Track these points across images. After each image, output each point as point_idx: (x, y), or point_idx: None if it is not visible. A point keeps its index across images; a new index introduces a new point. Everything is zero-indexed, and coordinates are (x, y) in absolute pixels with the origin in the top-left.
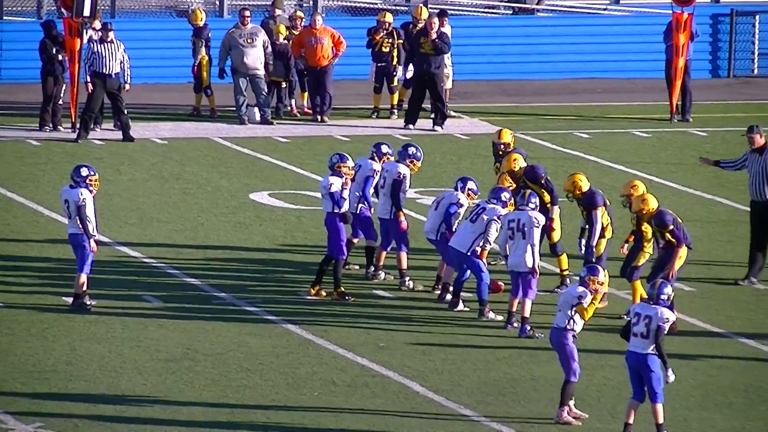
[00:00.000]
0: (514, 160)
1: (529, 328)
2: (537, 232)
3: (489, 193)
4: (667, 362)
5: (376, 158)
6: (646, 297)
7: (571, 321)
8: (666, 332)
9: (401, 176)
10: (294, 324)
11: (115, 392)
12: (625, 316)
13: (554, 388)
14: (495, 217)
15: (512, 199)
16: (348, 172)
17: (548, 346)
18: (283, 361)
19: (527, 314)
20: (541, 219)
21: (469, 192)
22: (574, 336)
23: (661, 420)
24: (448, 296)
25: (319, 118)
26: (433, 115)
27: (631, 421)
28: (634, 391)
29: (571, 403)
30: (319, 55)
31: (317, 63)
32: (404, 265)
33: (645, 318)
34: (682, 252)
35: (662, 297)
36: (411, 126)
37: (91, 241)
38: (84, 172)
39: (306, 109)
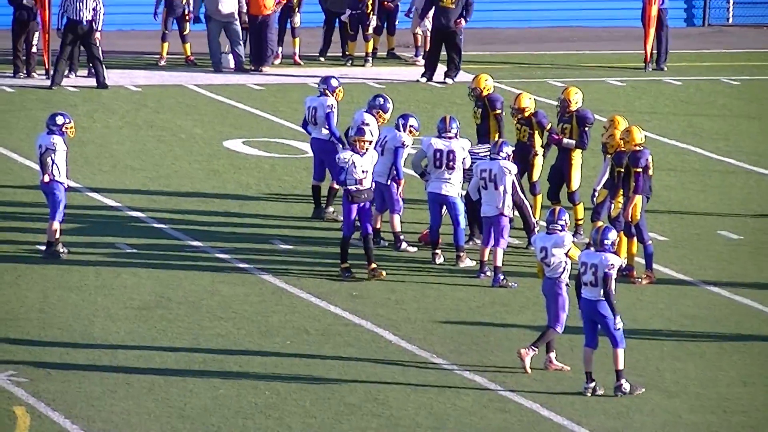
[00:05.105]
0: (485, 80)
1: (502, 277)
2: (509, 180)
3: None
4: (615, 310)
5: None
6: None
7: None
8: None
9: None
10: (266, 273)
11: (87, 340)
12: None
13: (527, 338)
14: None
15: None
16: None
17: (522, 295)
18: (255, 310)
19: (499, 263)
20: (513, 168)
21: (411, 129)
22: (566, 285)
23: (620, 366)
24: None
25: (259, 68)
26: (446, 68)
27: (590, 369)
28: (587, 338)
29: (552, 355)
30: (261, 4)
31: (259, 12)
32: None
33: (591, 267)
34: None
35: (605, 242)
36: (426, 80)
37: (46, 176)
38: (60, 120)
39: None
